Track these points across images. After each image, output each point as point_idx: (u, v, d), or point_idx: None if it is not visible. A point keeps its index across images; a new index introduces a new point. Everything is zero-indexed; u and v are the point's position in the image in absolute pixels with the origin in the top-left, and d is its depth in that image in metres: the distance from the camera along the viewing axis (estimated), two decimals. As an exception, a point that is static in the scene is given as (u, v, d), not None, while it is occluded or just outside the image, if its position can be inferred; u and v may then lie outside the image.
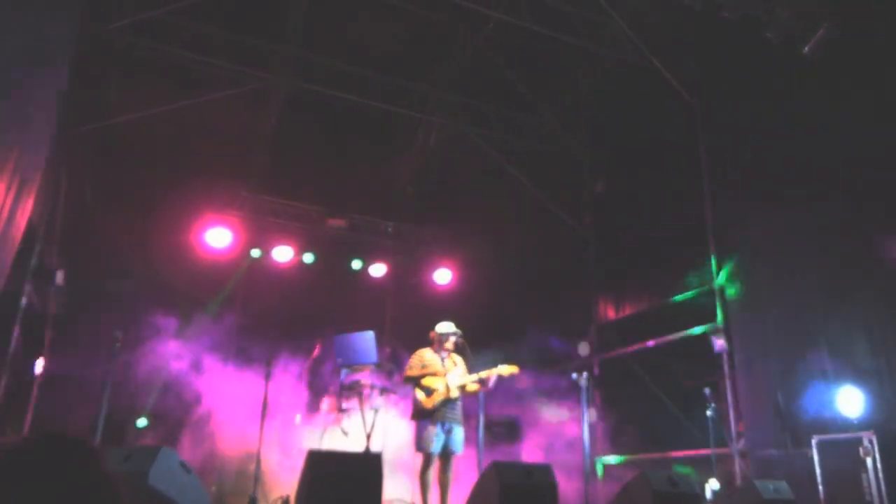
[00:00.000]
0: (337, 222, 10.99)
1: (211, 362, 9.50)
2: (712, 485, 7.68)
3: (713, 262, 8.65)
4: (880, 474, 5.25)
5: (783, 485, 5.50)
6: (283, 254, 10.57)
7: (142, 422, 8.58)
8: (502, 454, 8.61)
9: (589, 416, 6.59)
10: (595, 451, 9.95)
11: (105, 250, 8.81)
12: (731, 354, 8.19)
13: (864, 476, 5.38)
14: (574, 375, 6.76)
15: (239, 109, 10.06)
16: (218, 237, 9.97)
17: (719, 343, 8.30)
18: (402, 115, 10.69)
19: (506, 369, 6.27)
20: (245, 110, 10.14)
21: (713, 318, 8.46)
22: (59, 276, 8.12)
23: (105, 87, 9.21)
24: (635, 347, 10.06)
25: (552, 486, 4.64)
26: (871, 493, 5.28)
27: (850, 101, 6.95)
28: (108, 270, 8.91)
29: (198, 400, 8.84)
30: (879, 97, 6.68)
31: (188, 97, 9.49)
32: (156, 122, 9.26)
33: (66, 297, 8.40)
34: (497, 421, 9.24)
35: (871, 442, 5.41)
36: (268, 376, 6.11)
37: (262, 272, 10.28)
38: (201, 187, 9.80)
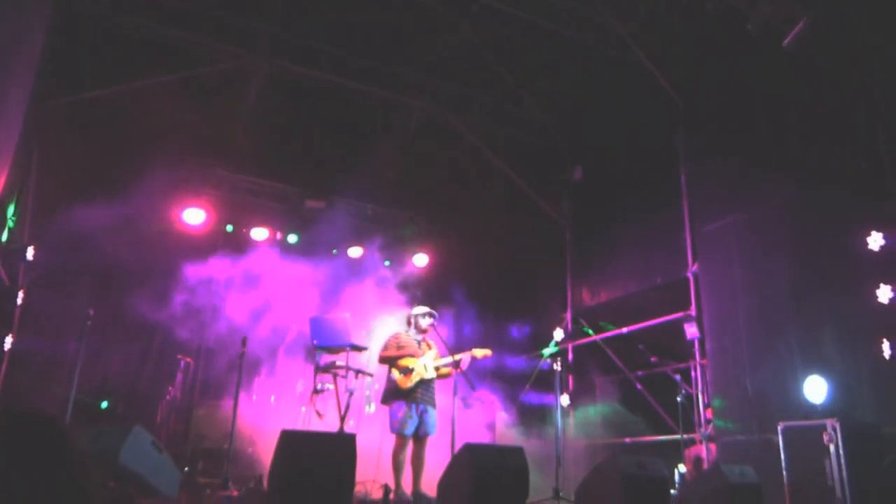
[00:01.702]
0: (315, 204, 10.91)
1: (186, 342, 9.44)
2: (682, 469, 7.85)
3: (689, 251, 8.78)
4: (842, 460, 5.40)
5: (749, 469, 5.63)
6: (260, 234, 10.48)
7: (104, 403, 8.48)
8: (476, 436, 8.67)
9: (562, 400, 6.68)
10: (567, 435, 10.08)
11: (77, 226, 8.65)
12: (702, 342, 8.33)
13: (826, 462, 5.52)
14: (548, 360, 6.84)
15: (217, 87, 9.89)
16: (194, 216, 9.86)
17: (691, 331, 8.44)
18: (384, 98, 10.60)
19: (479, 352, 6.36)
20: (224, 88, 9.97)
21: (687, 306, 8.59)
22: (30, 252, 7.97)
23: (81, 62, 8.99)
24: (610, 334, 10.19)
25: (524, 468, 4.70)
26: (832, 478, 5.42)
27: (829, 94, 7.05)
28: (80, 247, 8.77)
29: (172, 379, 8.79)
30: (857, 89, 6.79)
31: (165, 74, 9.30)
32: (132, 98, 9.08)
33: (36, 272, 8.26)
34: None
35: (834, 429, 5.55)
36: (242, 356, 6.08)
37: (238, 251, 10.18)
38: (178, 165, 9.65)
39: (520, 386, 10.36)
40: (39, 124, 8.28)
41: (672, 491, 6.67)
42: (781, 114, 7.61)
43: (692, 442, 8.12)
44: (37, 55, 7.17)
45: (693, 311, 8.48)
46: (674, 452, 7.96)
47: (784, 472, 5.88)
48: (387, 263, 11.09)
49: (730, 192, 8.17)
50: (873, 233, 6.39)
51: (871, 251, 6.38)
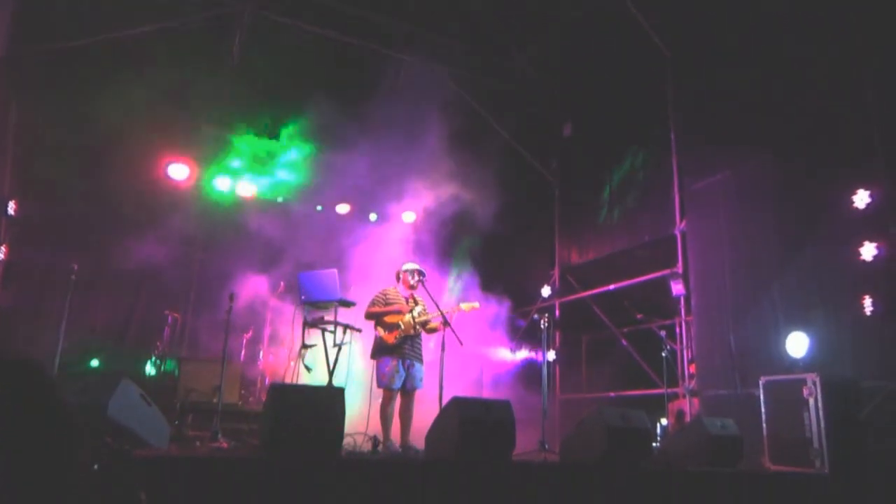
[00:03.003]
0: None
1: (173, 297, 9.41)
2: (664, 422, 8.01)
3: (677, 208, 8.79)
4: (821, 413, 5.52)
5: (730, 422, 5.75)
6: (246, 189, 10.36)
7: (94, 362, 8.46)
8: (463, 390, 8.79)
9: (548, 355, 6.75)
10: (553, 389, 10.24)
11: (59, 180, 8.50)
12: (687, 299, 8.41)
13: (805, 415, 5.65)
14: (536, 317, 6.89)
15: (201, 38, 9.62)
16: (179, 171, 9.72)
17: (677, 288, 8.51)
18: (371, 52, 10.37)
19: (466, 305, 6.40)
20: (207, 39, 9.70)
21: (674, 263, 8.65)
22: (11, 206, 7.85)
23: (60, 11, 8.69)
24: (597, 291, 10.26)
25: (510, 421, 4.76)
26: (810, 430, 5.56)
27: (819, 52, 6.98)
28: (62, 200, 8.64)
29: (160, 334, 8.79)
30: (847, 47, 6.73)
31: (147, 23, 9.02)
32: (114, 49, 8.82)
33: (18, 226, 8.15)
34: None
35: (814, 383, 5.67)
36: (229, 312, 6.07)
37: (226, 207, 10.08)
38: (160, 118, 9.44)
39: (507, 341, 10.47)
40: (18, 75, 8.06)
41: (654, 443, 6.81)
42: (771, 71, 7.54)
43: (675, 396, 8.27)
44: (12, 5, 6.93)
45: (679, 269, 8.54)
46: (657, 406, 8.11)
47: (764, 425, 6.02)
48: (373, 218, 11.05)
49: (718, 150, 8.15)
50: (859, 191, 6.42)
51: (856, 209, 6.42)
